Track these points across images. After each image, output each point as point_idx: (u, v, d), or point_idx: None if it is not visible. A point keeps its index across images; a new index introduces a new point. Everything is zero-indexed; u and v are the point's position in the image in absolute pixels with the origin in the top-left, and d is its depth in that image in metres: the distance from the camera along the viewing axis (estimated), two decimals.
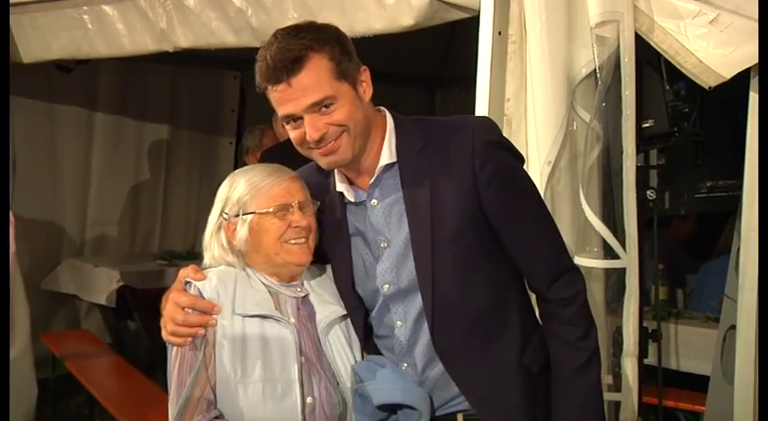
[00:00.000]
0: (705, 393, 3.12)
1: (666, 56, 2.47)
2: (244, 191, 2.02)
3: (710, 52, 2.37)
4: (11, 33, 4.45)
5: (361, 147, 1.91)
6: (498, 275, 1.97)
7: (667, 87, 2.67)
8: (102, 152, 6.16)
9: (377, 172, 1.95)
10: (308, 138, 1.85)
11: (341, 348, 2.03)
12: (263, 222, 1.99)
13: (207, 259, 2.09)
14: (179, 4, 3.83)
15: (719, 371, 2.95)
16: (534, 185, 2.06)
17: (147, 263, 5.64)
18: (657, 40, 2.47)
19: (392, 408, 1.99)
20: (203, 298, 1.96)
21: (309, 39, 1.82)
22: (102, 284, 5.36)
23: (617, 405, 2.58)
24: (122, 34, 4.09)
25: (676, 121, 2.68)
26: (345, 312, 2.06)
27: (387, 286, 1.99)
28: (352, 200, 2.00)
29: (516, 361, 1.97)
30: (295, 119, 1.87)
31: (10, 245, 2.51)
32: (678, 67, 2.45)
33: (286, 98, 1.84)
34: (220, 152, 6.75)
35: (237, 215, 2.01)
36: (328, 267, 2.13)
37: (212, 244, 2.07)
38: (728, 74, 2.33)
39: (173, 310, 1.95)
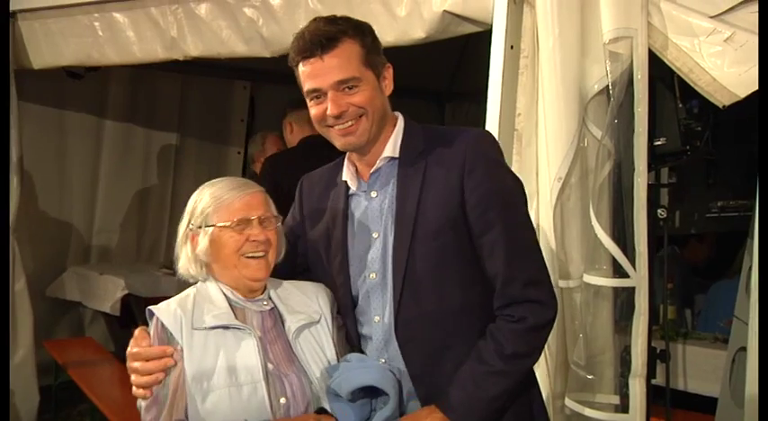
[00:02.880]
0: (712, 415, 3.08)
1: (680, 73, 2.45)
2: (207, 203, 2.08)
3: (725, 71, 2.34)
4: (22, 39, 4.47)
5: (376, 135, 2.04)
6: (469, 282, 2.00)
7: (680, 105, 2.64)
8: (111, 159, 6.17)
9: (378, 162, 2.07)
10: (328, 112, 1.98)
11: (312, 350, 2.06)
12: (222, 235, 2.05)
13: (178, 268, 2.15)
14: (190, 12, 3.84)
15: (728, 393, 2.92)
16: (525, 211, 2.06)
17: (152, 271, 5.63)
18: (671, 58, 2.44)
19: (369, 399, 2.00)
20: (164, 326, 1.99)
21: (347, 26, 1.99)
22: (107, 292, 5.36)
23: None
24: (133, 41, 4.11)
25: (688, 140, 2.65)
26: (313, 320, 2.10)
27: (373, 274, 2.07)
28: (354, 188, 2.11)
29: None
30: (319, 95, 2.00)
31: None
32: (692, 85, 2.42)
33: (315, 73, 1.97)
34: (229, 162, 6.74)
35: (201, 226, 2.07)
36: (298, 283, 2.19)
37: (180, 254, 2.12)
38: (743, 93, 2.31)
39: (130, 363, 1.98)
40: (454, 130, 2.09)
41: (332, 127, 2.02)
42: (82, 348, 5.43)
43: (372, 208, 2.08)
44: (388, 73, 2.06)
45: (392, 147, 2.06)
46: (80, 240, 6.11)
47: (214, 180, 2.16)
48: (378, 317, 2.06)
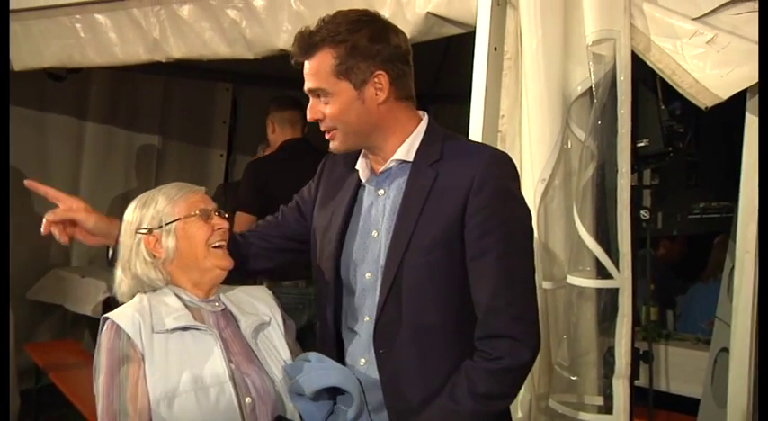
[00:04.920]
0: (695, 415, 3.09)
1: (663, 75, 2.45)
2: (162, 202, 2.10)
3: (707, 72, 2.34)
4: None
5: (361, 143, 2.06)
6: (452, 303, 1.98)
7: (662, 107, 2.65)
8: (92, 162, 6.13)
9: (389, 163, 2.06)
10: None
11: (270, 349, 2.08)
12: (188, 228, 2.07)
13: (125, 284, 2.10)
14: (172, 14, 3.82)
15: (710, 394, 2.93)
16: (525, 244, 2.00)
17: None
18: (654, 59, 2.45)
19: (332, 397, 2.02)
20: (121, 329, 1.96)
21: (332, 32, 1.97)
22: (88, 295, 5.32)
23: None
24: (115, 43, 4.08)
25: (671, 141, 2.66)
26: (264, 321, 2.12)
27: (369, 275, 2.06)
28: (364, 179, 2.11)
29: (444, 386, 1.96)
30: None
31: None
32: (674, 86, 2.43)
33: (303, 74, 2.03)
34: (211, 164, 6.71)
35: (160, 226, 2.07)
36: (244, 287, 2.22)
37: (132, 263, 2.08)
38: (725, 94, 2.31)
39: None
40: (474, 146, 2.12)
41: None
42: (63, 351, 5.40)
43: (378, 205, 2.08)
44: (380, 79, 1.99)
45: (406, 150, 2.04)
46: (61, 242, 6.05)
47: (149, 190, 2.19)
48: (368, 317, 2.06)
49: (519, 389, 2.02)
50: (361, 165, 2.12)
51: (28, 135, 5.67)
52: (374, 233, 2.07)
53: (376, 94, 2.00)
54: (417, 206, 1.98)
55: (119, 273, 2.12)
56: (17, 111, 5.42)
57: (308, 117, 2.05)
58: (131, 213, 2.14)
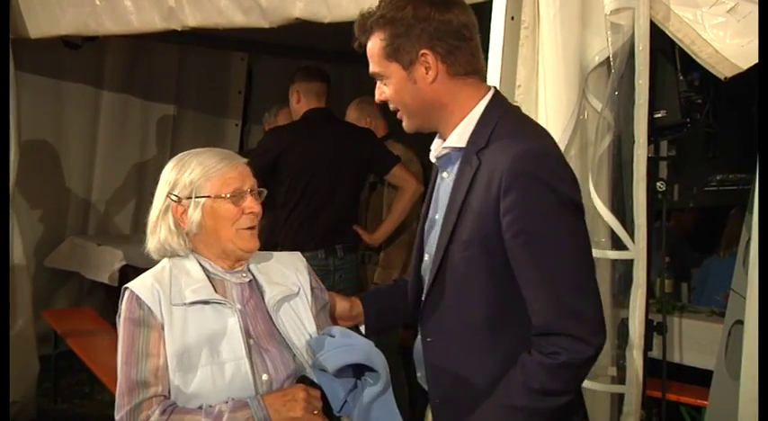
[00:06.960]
0: (707, 387, 3.10)
1: (682, 45, 2.43)
2: (197, 173, 2.00)
3: (727, 42, 2.32)
4: (19, 8, 4.43)
5: (425, 123, 1.99)
6: (497, 301, 1.88)
7: (681, 78, 2.63)
8: (108, 130, 6.15)
9: (442, 150, 1.99)
10: None
11: (293, 322, 2.02)
12: (217, 207, 1.98)
13: (151, 244, 2.05)
14: None
15: (724, 366, 2.94)
16: (564, 237, 1.82)
17: None
18: (673, 29, 2.43)
19: (356, 373, 1.98)
20: (141, 300, 1.92)
21: (381, 13, 1.92)
22: (105, 263, 5.37)
23: (621, 397, 2.56)
24: (130, 11, 4.07)
25: (689, 113, 2.64)
26: (292, 292, 2.06)
27: (427, 257, 2.04)
28: (433, 160, 2.05)
29: (491, 385, 1.88)
30: None
31: None
32: (693, 56, 2.41)
33: None
34: (226, 134, 6.71)
35: (189, 197, 1.99)
36: (275, 253, 2.17)
37: (159, 227, 2.02)
38: (745, 64, 2.29)
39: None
40: (518, 133, 1.89)
41: None
42: (80, 318, 5.46)
43: (442, 187, 2.01)
44: (426, 58, 1.89)
45: (457, 136, 1.93)
46: (78, 211, 6.11)
47: (195, 150, 2.09)
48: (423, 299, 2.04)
49: (579, 384, 1.88)
50: (434, 145, 2.04)
51: (44, 103, 5.70)
52: (437, 216, 2.01)
53: (426, 74, 1.90)
54: (461, 198, 1.89)
55: (148, 232, 2.06)
56: (33, 79, 5.46)
57: (376, 98, 2.00)
58: (168, 172, 2.05)
